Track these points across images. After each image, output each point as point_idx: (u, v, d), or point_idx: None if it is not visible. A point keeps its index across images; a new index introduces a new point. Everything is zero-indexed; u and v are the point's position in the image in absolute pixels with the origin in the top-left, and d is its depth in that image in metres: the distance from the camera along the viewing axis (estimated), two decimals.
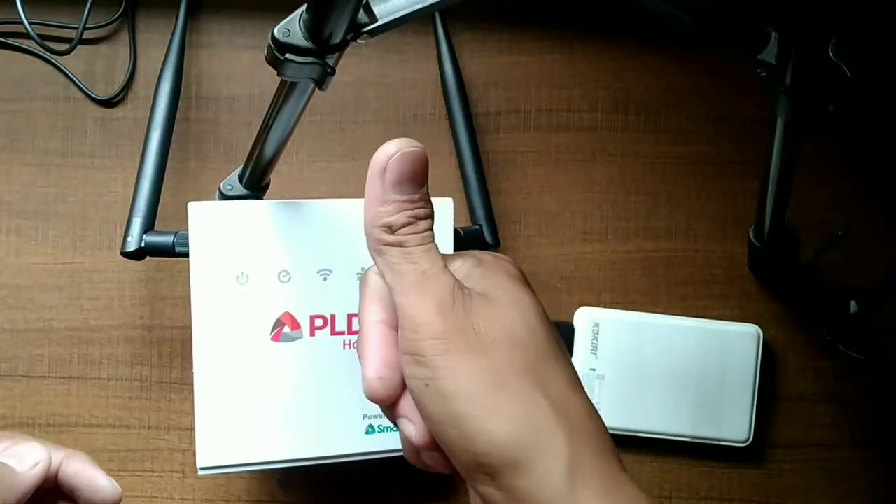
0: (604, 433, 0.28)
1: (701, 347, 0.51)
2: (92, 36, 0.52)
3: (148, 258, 0.45)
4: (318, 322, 0.43)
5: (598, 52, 0.54)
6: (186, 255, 0.42)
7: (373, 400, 0.29)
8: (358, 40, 0.35)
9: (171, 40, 0.49)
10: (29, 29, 0.48)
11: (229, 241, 0.41)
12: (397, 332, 0.29)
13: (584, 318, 0.52)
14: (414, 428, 0.29)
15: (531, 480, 0.26)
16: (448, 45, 0.51)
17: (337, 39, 0.34)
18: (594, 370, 0.51)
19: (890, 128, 0.54)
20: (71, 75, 0.52)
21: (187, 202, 0.41)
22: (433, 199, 0.40)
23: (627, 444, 0.53)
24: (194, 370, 0.41)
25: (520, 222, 0.53)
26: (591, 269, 0.53)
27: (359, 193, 0.30)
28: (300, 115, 0.40)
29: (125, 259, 0.45)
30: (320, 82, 0.35)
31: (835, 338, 0.53)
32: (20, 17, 0.48)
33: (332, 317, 0.43)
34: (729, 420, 0.51)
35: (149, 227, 0.45)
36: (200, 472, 0.42)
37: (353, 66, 0.53)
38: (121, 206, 0.50)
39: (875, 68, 0.33)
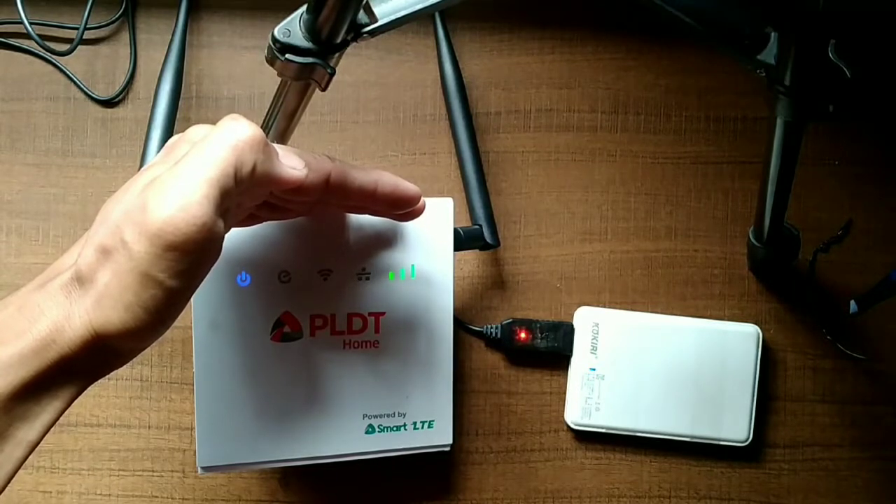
0: None
1: (701, 347, 0.51)
2: (92, 36, 0.52)
3: None
4: (318, 322, 0.43)
5: (598, 52, 0.54)
6: None
7: None
8: (358, 40, 0.35)
9: (171, 40, 0.49)
10: (29, 29, 0.48)
11: (230, 241, 0.41)
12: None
13: (584, 318, 0.52)
14: None
15: None
16: (448, 45, 0.51)
17: (337, 39, 0.34)
18: (594, 370, 0.51)
19: (890, 126, 0.54)
20: (71, 75, 0.52)
21: None
22: (433, 199, 0.40)
23: (627, 444, 0.53)
24: (194, 370, 0.42)
25: (520, 222, 0.53)
26: (591, 269, 0.54)
27: None
28: (300, 115, 0.41)
29: None
30: (320, 82, 0.35)
31: (835, 338, 0.53)
32: (21, 18, 0.48)
33: (332, 317, 0.43)
34: (728, 420, 0.51)
35: None
36: (201, 472, 0.42)
37: (353, 66, 0.53)
38: None
39: (875, 68, 0.33)
